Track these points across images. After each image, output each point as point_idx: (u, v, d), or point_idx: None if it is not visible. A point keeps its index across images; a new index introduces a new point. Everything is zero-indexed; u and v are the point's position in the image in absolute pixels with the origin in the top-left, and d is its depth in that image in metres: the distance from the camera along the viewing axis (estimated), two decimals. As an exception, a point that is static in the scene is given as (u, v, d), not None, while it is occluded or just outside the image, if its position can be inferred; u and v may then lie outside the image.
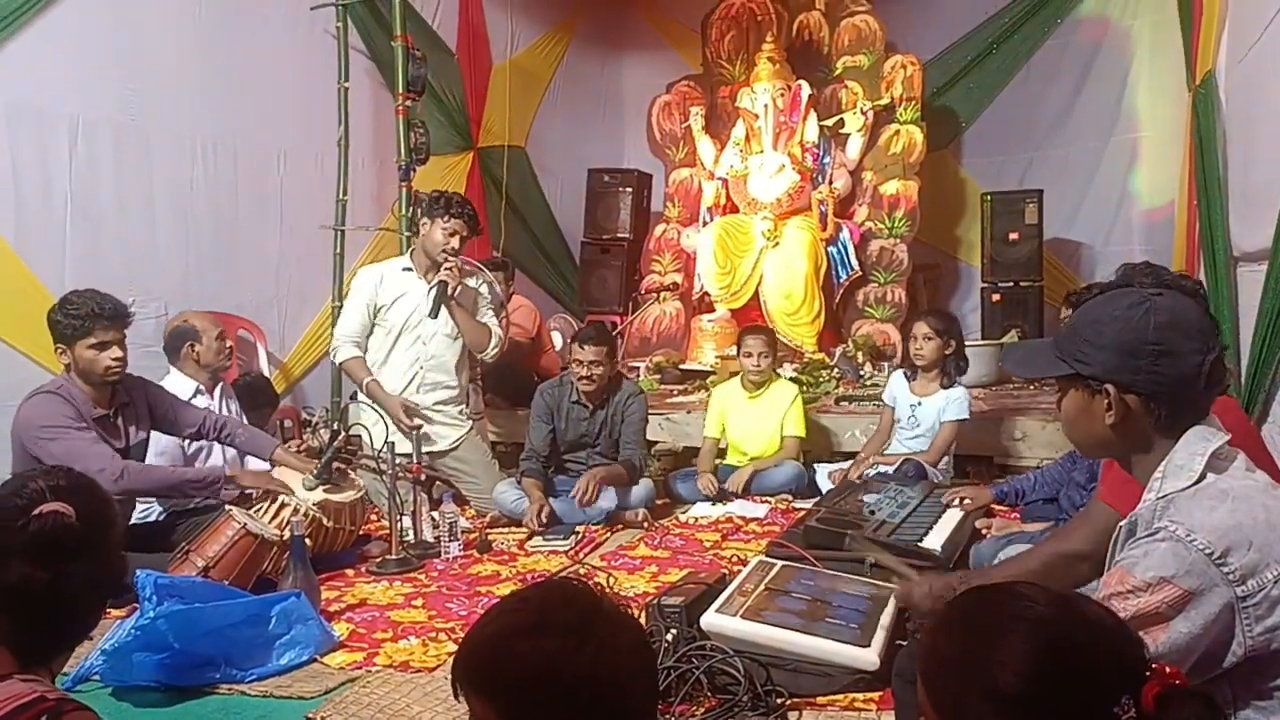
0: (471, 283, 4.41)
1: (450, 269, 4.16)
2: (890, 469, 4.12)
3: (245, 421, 3.99)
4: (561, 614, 1.09)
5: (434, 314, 4.16)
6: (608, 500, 4.10)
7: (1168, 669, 0.99)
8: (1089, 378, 1.44)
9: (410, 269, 4.33)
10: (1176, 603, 1.29)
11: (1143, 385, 1.40)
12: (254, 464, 3.88)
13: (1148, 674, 0.98)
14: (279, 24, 5.57)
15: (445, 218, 4.22)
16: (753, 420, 4.69)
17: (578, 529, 3.97)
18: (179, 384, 3.95)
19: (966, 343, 6.39)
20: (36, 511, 1.35)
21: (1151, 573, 1.30)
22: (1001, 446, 4.65)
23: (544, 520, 3.94)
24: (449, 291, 4.17)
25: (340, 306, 4.93)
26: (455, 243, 4.21)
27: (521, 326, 5.75)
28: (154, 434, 3.61)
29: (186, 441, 3.79)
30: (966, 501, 3.62)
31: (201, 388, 3.99)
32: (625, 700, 1.08)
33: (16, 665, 1.29)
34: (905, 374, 4.47)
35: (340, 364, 4.36)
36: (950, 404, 4.27)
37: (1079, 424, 1.50)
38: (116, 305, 3.31)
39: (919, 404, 4.35)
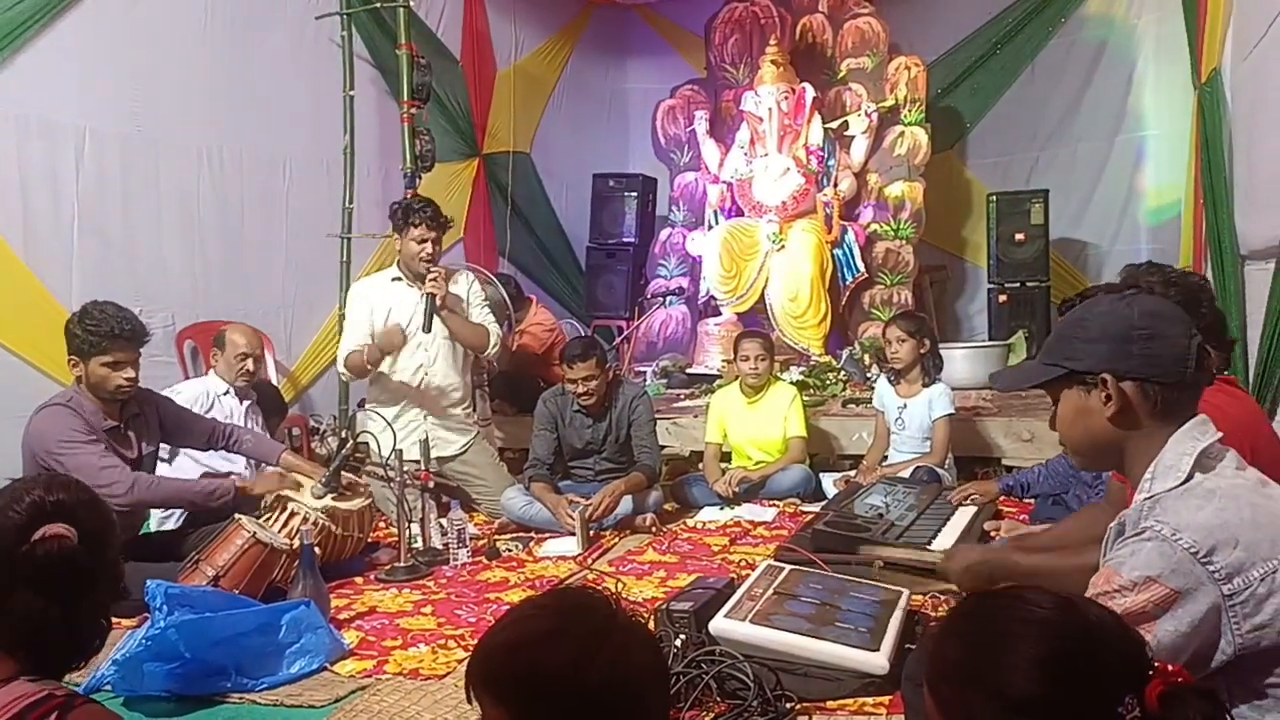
0: (456, 287, 4.39)
1: (434, 279, 4.15)
2: (906, 475, 4.14)
3: (268, 436, 4.05)
4: (580, 621, 1.10)
5: (427, 328, 4.17)
6: (622, 506, 4.09)
7: (1170, 667, 0.99)
8: (1084, 372, 1.46)
9: (400, 278, 4.34)
10: (1163, 602, 1.29)
11: (1138, 369, 1.43)
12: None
13: (1151, 673, 0.99)
14: (284, 34, 5.60)
15: (409, 227, 4.24)
16: (753, 425, 4.68)
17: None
18: (210, 381, 4.21)
19: (974, 344, 6.52)
20: (39, 535, 1.33)
21: (1138, 572, 1.31)
22: (1009, 447, 4.65)
23: (573, 514, 3.89)
24: (437, 303, 4.18)
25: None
26: (428, 248, 4.21)
27: (536, 338, 5.74)
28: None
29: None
30: (974, 496, 3.64)
31: (232, 389, 4.20)
32: (640, 707, 1.08)
33: (20, 672, 1.29)
34: (889, 378, 4.55)
35: (347, 367, 4.30)
36: (935, 401, 4.33)
37: (1077, 425, 1.51)
38: (136, 326, 3.26)
39: (905, 405, 4.43)
